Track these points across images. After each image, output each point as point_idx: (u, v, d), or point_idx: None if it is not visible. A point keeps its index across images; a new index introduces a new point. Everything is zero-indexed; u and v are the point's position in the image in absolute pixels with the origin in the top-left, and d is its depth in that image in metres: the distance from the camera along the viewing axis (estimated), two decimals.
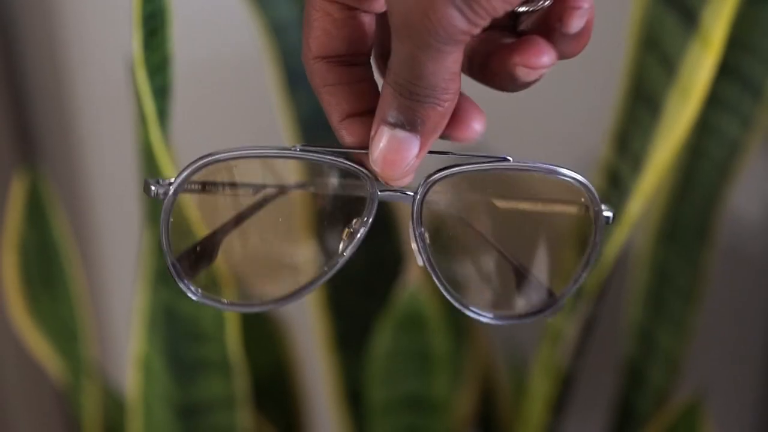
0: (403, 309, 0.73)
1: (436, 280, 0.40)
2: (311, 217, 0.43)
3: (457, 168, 0.38)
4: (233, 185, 0.41)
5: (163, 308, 0.65)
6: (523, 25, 0.38)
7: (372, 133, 0.37)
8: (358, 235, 0.40)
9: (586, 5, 0.36)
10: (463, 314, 0.92)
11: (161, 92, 0.55)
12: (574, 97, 0.78)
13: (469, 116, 0.38)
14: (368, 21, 0.39)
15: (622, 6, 0.71)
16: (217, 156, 0.39)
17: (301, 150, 0.39)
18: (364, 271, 0.81)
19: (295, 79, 0.76)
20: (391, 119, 0.36)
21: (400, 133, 0.37)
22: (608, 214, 0.40)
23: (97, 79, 1.03)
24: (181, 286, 0.40)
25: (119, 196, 1.06)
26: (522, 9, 0.37)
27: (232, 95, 1.00)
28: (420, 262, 0.40)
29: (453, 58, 0.35)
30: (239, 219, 0.41)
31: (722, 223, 0.80)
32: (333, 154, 0.39)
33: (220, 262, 0.42)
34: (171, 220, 0.39)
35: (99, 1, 0.99)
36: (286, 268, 0.43)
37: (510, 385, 0.92)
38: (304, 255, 0.43)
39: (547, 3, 0.37)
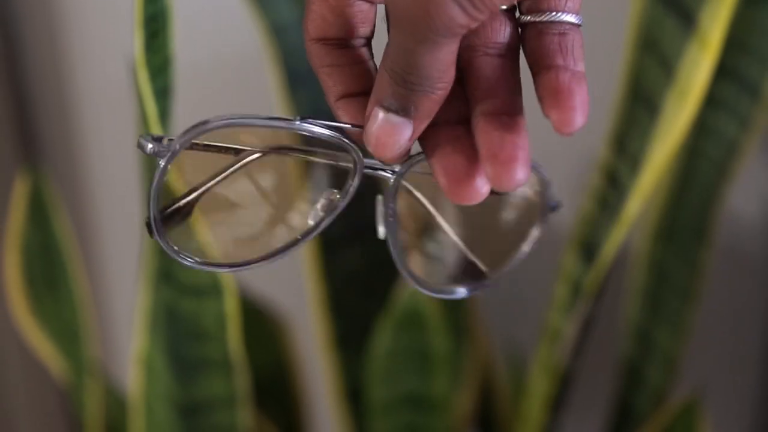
0: (403, 309, 0.73)
1: (392, 250, 0.41)
2: (296, 183, 0.44)
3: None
4: (224, 149, 0.41)
5: (165, 308, 0.65)
6: (526, 55, 0.39)
7: (367, 113, 0.38)
8: (342, 203, 0.41)
9: (579, 122, 0.37)
10: (464, 314, 0.92)
11: (163, 93, 0.55)
12: None
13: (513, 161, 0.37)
14: (367, 8, 0.40)
15: (621, 8, 0.71)
16: (217, 122, 0.39)
17: (301, 120, 0.40)
18: (364, 272, 0.81)
19: (295, 80, 0.76)
20: (385, 103, 0.37)
21: (394, 118, 0.37)
22: (551, 206, 0.43)
23: (99, 80, 1.03)
24: (159, 241, 0.40)
25: (121, 197, 1.06)
26: (526, 18, 0.38)
27: (232, 96, 1.00)
28: (381, 234, 0.41)
29: (449, 50, 0.35)
30: (219, 177, 0.41)
31: (720, 222, 0.80)
32: (330, 128, 0.40)
33: (201, 222, 0.42)
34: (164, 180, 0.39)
35: (101, 3, 0.99)
36: (268, 230, 0.43)
37: (509, 384, 0.92)
38: (287, 218, 0.43)
39: (546, 18, 0.37)
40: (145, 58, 0.51)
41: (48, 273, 0.80)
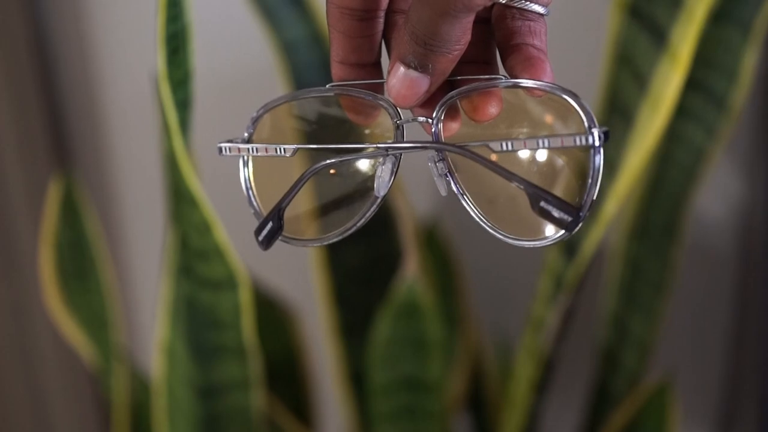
0: (401, 300, 0.73)
1: (465, 204, 0.40)
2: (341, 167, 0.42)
3: (464, 88, 0.39)
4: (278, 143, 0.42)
5: (185, 299, 0.65)
6: (496, 31, 0.39)
7: (390, 66, 0.39)
8: (394, 160, 0.40)
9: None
10: (456, 305, 0.91)
11: (183, 105, 0.55)
12: None
13: (488, 101, 0.39)
14: None
15: (598, 26, 0.71)
16: (268, 105, 0.42)
17: (332, 86, 0.40)
18: (365, 266, 0.81)
19: None
20: (406, 60, 0.38)
21: (413, 74, 0.38)
22: (596, 137, 0.39)
23: (125, 93, 1.03)
24: (283, 240, 0.41)
25: (145, 199, 1.06)
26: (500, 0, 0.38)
27: (247, 107, 1.00)
28: (443, 191, 0.40)
29: (467, 21, 0.36)
30: (299, 183, 0.41)
31: (689, 222, 0.80)
32: (361, 88, 0.40)
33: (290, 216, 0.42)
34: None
35: (127, 22, 0.99)
36: (339, 209, 0.43)
37: (497, 369, 0.92)
38: (353, 192, 0.42)
39: (518, 4, 0.38)
40: (167, 72, 0.51)
41: (79, 267, 0.80)
